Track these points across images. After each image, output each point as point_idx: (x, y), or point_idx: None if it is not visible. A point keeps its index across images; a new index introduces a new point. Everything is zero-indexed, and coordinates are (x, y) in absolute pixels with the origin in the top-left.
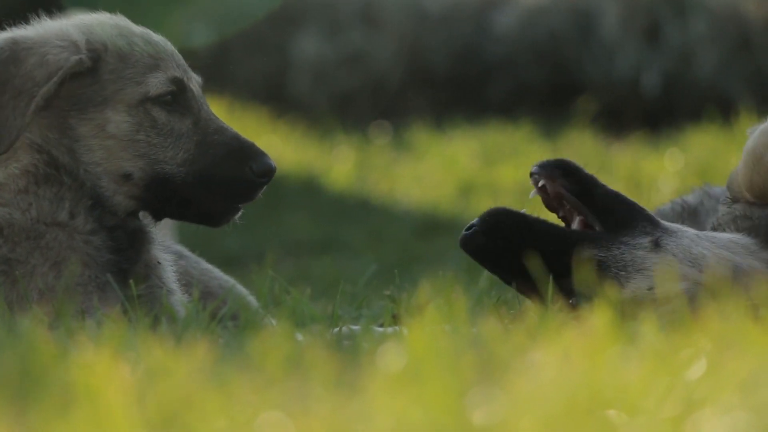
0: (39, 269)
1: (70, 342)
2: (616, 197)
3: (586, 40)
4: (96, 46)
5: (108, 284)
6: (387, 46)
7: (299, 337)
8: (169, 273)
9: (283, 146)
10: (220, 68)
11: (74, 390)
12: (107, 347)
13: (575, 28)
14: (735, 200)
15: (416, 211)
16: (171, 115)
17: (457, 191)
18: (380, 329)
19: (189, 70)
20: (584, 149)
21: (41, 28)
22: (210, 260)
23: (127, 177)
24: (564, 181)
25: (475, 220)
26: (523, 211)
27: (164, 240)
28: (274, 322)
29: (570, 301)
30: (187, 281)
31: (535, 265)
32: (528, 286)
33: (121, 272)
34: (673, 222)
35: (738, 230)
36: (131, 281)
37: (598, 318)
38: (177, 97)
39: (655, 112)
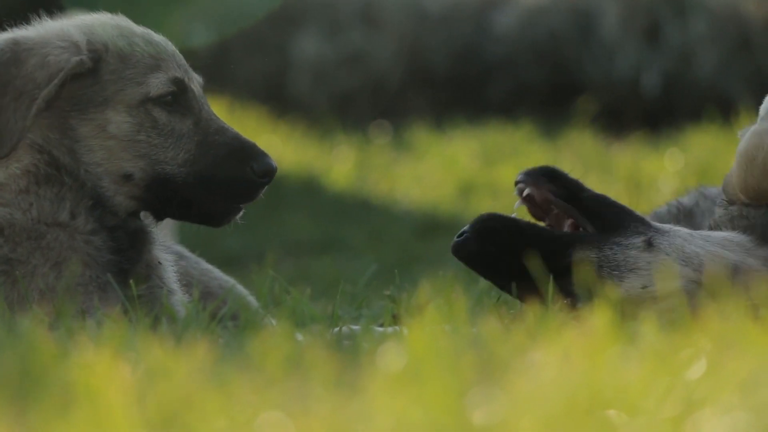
0: (40, 269)
1: (71, 342)
2: (604, 200)
3: (586, 40)
4: (97, 47)
5: (109, 284)
6: (387, 46)
7: (299, 337)
8: (170, 273)
9: (283, 146)
10: (220, 68)
11: (74, 390)
12: (107, 347)
13: (575, 28)
14: (731, 202)
15: (416, 211)
16: (172, 115)
17: (457, 191)
18: (380, 329)
19: (190, 70)
20: (584, 149)
21: (42, 29)
22: (210, 260)
23: (127, 177)
24: (551, 186)
25: (466, 227)
26: (513, 215)
27: (165, 240)
28: (274, 322)
29: (565, 302)
30: (187, 281)
31: (535, 265)
32: (522, 290)
33: (121, 272)
34: (669, 224)
35: (734, 230)
36: (132, 281)
37: (598, 318)
38: (178, 98)
39: (655, 112)
